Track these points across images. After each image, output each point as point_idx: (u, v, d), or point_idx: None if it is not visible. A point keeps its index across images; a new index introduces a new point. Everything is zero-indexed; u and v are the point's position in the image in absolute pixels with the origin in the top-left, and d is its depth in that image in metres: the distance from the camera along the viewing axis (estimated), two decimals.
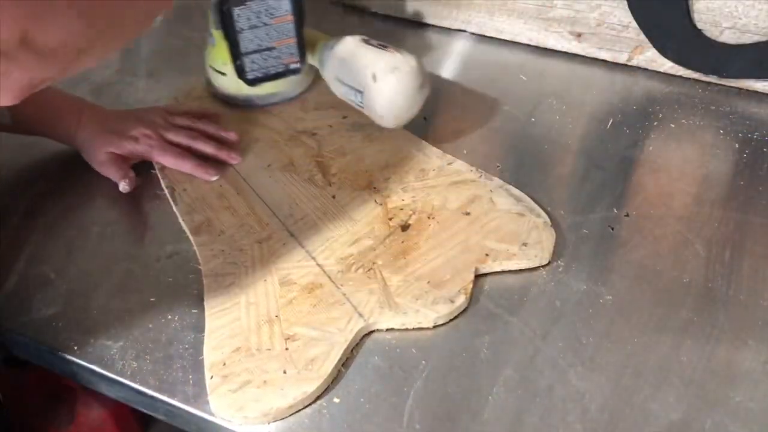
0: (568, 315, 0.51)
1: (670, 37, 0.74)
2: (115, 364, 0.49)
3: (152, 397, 0.47)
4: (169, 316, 0.52)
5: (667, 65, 0.76)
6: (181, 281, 0.54)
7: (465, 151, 0.66)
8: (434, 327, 0.50)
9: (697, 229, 0.58)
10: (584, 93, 0.75)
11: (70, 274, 0.55)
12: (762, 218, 0.59)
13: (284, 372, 0.47)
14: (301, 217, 0.59)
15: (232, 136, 0.67)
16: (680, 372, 0.48)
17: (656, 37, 0.74)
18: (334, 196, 0.61)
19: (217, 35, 0.59)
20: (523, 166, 0.65)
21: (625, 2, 0.73)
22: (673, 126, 0.70)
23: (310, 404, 0.46)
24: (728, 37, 0.71)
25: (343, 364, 0.48)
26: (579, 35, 0.78)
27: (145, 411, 0.49)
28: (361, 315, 0.50)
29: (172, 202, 0.61)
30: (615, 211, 0.60)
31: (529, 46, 0.82)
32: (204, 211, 0.60)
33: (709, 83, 0.75)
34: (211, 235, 0.57)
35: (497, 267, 0.54)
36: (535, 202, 0.59)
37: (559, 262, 0.55)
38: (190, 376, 0.48)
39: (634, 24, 0.74)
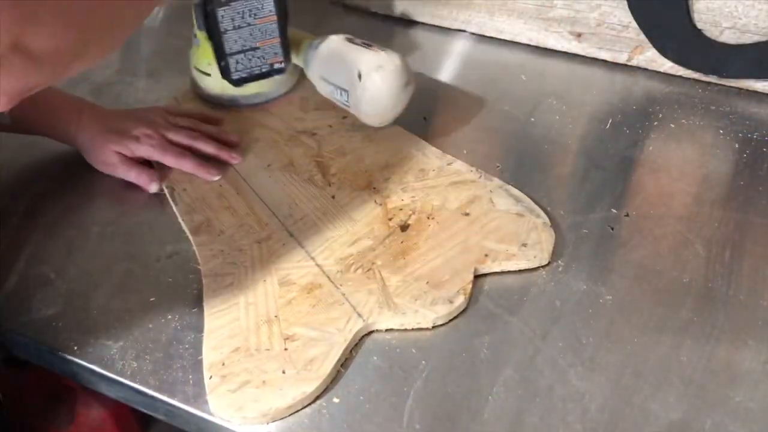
0: (568, 315, 0.51)
1: (670, 37, 0.74)
2: (115, 364, 0.49)
3: (152, 397, 0.47)
4: (169, 316, 0.52)
5: (667, 65, 0.76)
6: (181, 281, 0.54)
7: (465, 151, 0.66)
8: (434, 327, 0.50)
9: (697, 229, 0.58)
10: (584, 93, 0.75)
11: (70, 274, 0.55)
12: (762, 218, 0.59)
13: (283, 372, 0.47)
14: (301, 217, 0.59)
15: (232, 137, 0.67)
16: (680, 372, 0.48)
17: (656, 37, 0.74)
18: (333, 196, 0.61)
19: (201, 36, 0.59)
20: (522, 166, 0.65)
21: (625, 2, 0.73)
22: (673, 126, 0.70)
23: (309, 404, 0.46)
24: (728, 37, 0.71)
25: (342, 364, 0.48)
26: (579, 35, 0.78)
27: (145, 411, 0.49)
28: (360, 315, 0.50)
29: (171, 202, 0.61)
30: (615, 211, 0.60)
31: (529, 46, 0.82)
32: (204, 211, 0.60)
33: (709, 83, 0.75)
34: (210, 235, 0.57)
35: (496, 267, 0.54)
36: (535, 202, 0.59)
37: (559, 262, 0.55)
38: (190, 376, 0.48)
39: (634, 24, 0.74)
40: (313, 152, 0.65)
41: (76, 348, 0.50)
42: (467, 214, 0.58)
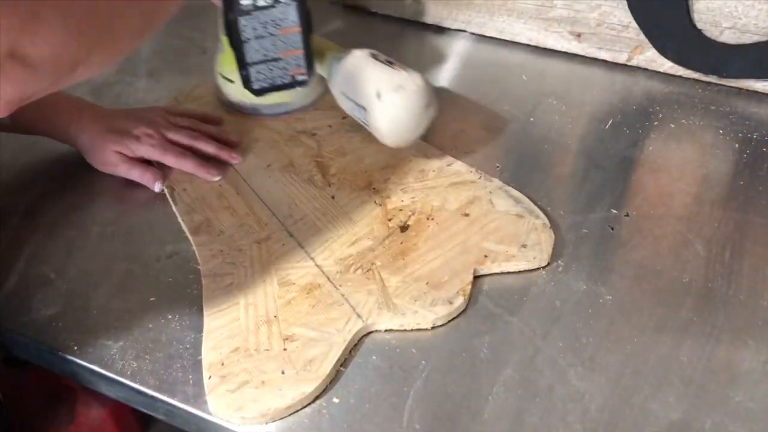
0: (568, 315, 0.51)
1: (670, 37, 0.74)
2: (115, 364, 0.49)
3: (152, 397, 0.47)
4: (169, 316, 0.52)
5: (667, 65, 0.76)
6: (181, 281, 0.54)
7: (465, 152, 0.66)
8: (433, 327, 0.50)
9: (697, 229, 0.58)
10: (584, 93, 0.75)
11: (70, 274, 0.55)
12: (762, 218, 0.59)
13: (282, 372, 0.47)
14: (301, 217, 0.59)
15: (233, 137, 0.67)
16: (680, 372, 0.48)
17: (656, 37, 0.74)
18: (333, 197, 0.61)
19: (226, 42, 0.58)
20: (522, 167, 0.65)
21: (625, 2, 0.73)
22: (673, 126, 0.70)
23: (308, 404, 0.46)
24: (728, 37, 0.71)
25: (342, 364, 0.48)
26: (579, 35, 0.78)
27: (145, 411, 0.49)
28: (359, 316, 0.50)
29: (171, 202, 0.61)
30: (615, 211, 0.60)
31: (529, 46, 0.82)
32: (203, 211, 0.60)
33: (709, 83, 0.75)
34: (210, 235, 0.57)
35: (496, 268, 0.54)
36: (535, 202, 0.59)
37: (559, 262, 0.55)
38: (190, 376, 0.48)
39: (634, 24, 0.74)
40: (313, 152, 0.65)
41: (76, 348, 0.50)
42: (467, 215, 0.58)
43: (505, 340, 0.50)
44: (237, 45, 0.56)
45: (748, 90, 0.73)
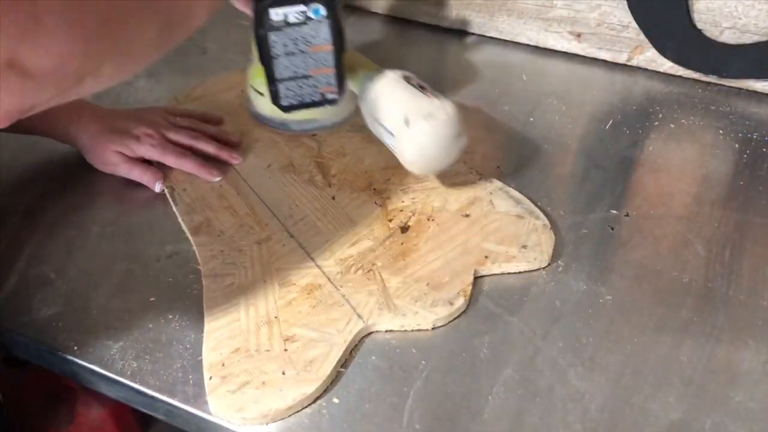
0: (568, 315, 0.51)
1: (670, 37, 0.74)
2: (115, 364, 0.49)
3: (152, 397, 0.47)
4: (169, 316, 0.52)
5: (667, 65, 0.76)
6: (181, 281, 0.54)
7: (465, 152, 0.66)
8: (433, 328, 0.50)
9: (697, 229, 0.58)
10: (584, 93, 0.75)
11: (70, 274, 0.55)
12: (762, 218, 0.59)
13: (283, 373, 0.47)
14: (301, 218, 0.59)
15: (233, 137, 0.67)
16: (680, 372, 0.48)
17: (656, 37, 0.74)
18: (333, 197, 0.61)
19: (257, 54, 0.56)
20: (522, 167, 0.65)
21: (625, 2, 0.73)
22: (673, 126, 0.70)
23: (309, 405, 0.46)
24: (728, 37, 0.71)
25: (342, 364, 0.48)
26: (579, 35, 0.78)
27: (145, 411, 0.49)
28: (360, 316, 0.50)
29: (172, 202, 0.61)
30: (615, 211, 0.60)
31: (529, 46, 0.82)
32: (204, 211, 0.60)
33: (709, 83, 0.75)
34: (210, 236, 0.57)
35: (496, 269, 0.54)
36: (535, 202, 0.59)
37: (559, 262, 0.55)
38: (190, 376, 0.48)
39: (634, 24, 0.74)
40: (313, 153, 0.65)
41: (76, 348, 0.50)
42: (467, 216, 0.58)
43: (505, 340, 0.50)
44: (266, 61, 0.55)
45: (748, 90, 0.73)
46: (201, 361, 0.48)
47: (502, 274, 0.54)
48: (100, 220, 0.60)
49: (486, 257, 0.54)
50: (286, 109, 0.58)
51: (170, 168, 0.63)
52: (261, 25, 0.53)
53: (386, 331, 0.50)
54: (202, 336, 0.50)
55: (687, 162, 0.65)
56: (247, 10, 0.53)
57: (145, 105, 0.72)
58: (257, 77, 0.65)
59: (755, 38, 0.70)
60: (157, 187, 0.62)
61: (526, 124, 0.70)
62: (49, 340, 0.51)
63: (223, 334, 0.49)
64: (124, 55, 0.36)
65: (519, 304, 0.52)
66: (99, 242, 0.58)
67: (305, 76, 0.56)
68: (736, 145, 0.67)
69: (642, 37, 0.75)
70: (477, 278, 0.54)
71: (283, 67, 0.55)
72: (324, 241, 0.56)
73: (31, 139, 0.65)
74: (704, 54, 0.73)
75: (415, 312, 0.50)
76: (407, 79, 0.58)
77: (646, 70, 0.77)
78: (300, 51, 0.54)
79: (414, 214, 0.58)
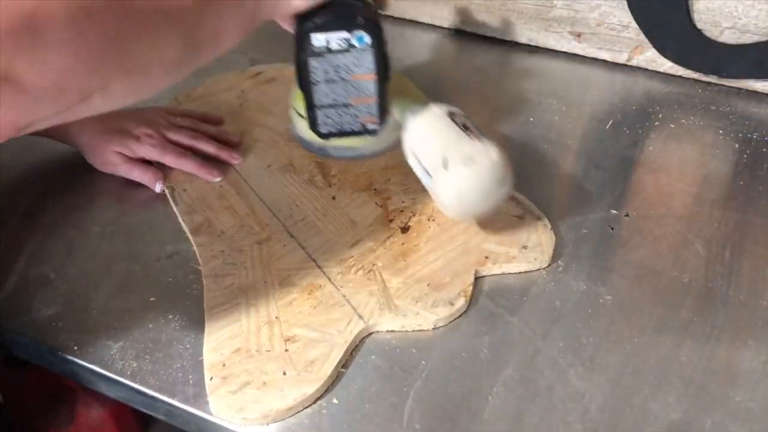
0: (568, 315, 0.51)
1: (670, 37, 0.74)
2: (115, 364, 0.49)
3: (152, 397, 0.47)
4: (169, 316, 0.52)
5: (667, 65, 0.76)
6: (181, 281, 0.54)
7: None
8: (434, 328, 0.50)
9: (697, 229, 0.58)
10: (584, 93, 0.75)
11: (70, 274, 0.55)
12: (762, 218, 0.59)
13: (284, 373, 0.47)
14: (301, 218, 0.59)
15: (233, 137, 0.67)
16: (680, 372, 0.48)
17: (656, 37, 0.74)
18: (334, 198, 0.61)
19: (297, 78, 0.53)
20: (522, 167, 0.65)
21: (625, 2, 0.73)
22: (673, 126, 0.70)
23: (309, 405, 0.46)
24: (728, 37, 0.71)
25: (342, 364, 0.48)
26: (579, 35, 0.78)
27: (145, 411, 0.49)
28: (360, 317, 0.50)
29: (172, 202, 0.61)
30: (615, 211, 0.60)
31: (529, 46, 0.82)
32: (204, 211, 0.60)
33: (709, 83, 0.75)
34: (210, 236, 0.57)
35: (497, 270, 0.54)
36: (535, 202, 0.59)
37: (559, 262, 0.55)
38: (190, 376, 0.48)
39: (634, 24, 0.74)
40: (313, 153, 0.65)
41: (76, 348, 0.50)
42: None
43: (505, 340, 0.50)
44: (305, 86, 0.53)
45: (748, 90, 0.73)
46: (201, 361, 0.48)
47: (503, 274, 0.54)
48: (100, 220, 0.60)
49: (486, 257, 0.54)
50: (324, 136, 0.56)
51: (170, 168, 0.63)
52: (302, 49, 0.50)
53: (386, 330, 0.50)
54: (203, 336, 0.50)
55: (687, 162, 0.65)
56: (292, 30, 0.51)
57: (145, 105, 0.72)
58: (299, 99, 0.60)
59: (755, 38, 0.70)
60: (158, 187, 0.62)
61: (526, 124, 0.70)
62: (49, 340, 0.51)
63: (223, 334, 0.49)
64: (137, 74, 0.35)
65: (519, 304, 0.52)
66: (99, 242, 0.58)
67: (345, 105, 0.54)
68: (736, 145, 0.67)
69: (642, 37, 0.75)
70: (477, 278, 0.54)
71: (322, 93, 0.53)
72: (324, 241, 0.56)
73: (30, 139, 0.65)
74: (704, 54, 0.73)
75: (416, 312, 0.50)
76: (452, 116, 0.55)
77: (646, 70, 0.77)
78: (341, 79, 0.52)
79: (414, 215, 0.58)
